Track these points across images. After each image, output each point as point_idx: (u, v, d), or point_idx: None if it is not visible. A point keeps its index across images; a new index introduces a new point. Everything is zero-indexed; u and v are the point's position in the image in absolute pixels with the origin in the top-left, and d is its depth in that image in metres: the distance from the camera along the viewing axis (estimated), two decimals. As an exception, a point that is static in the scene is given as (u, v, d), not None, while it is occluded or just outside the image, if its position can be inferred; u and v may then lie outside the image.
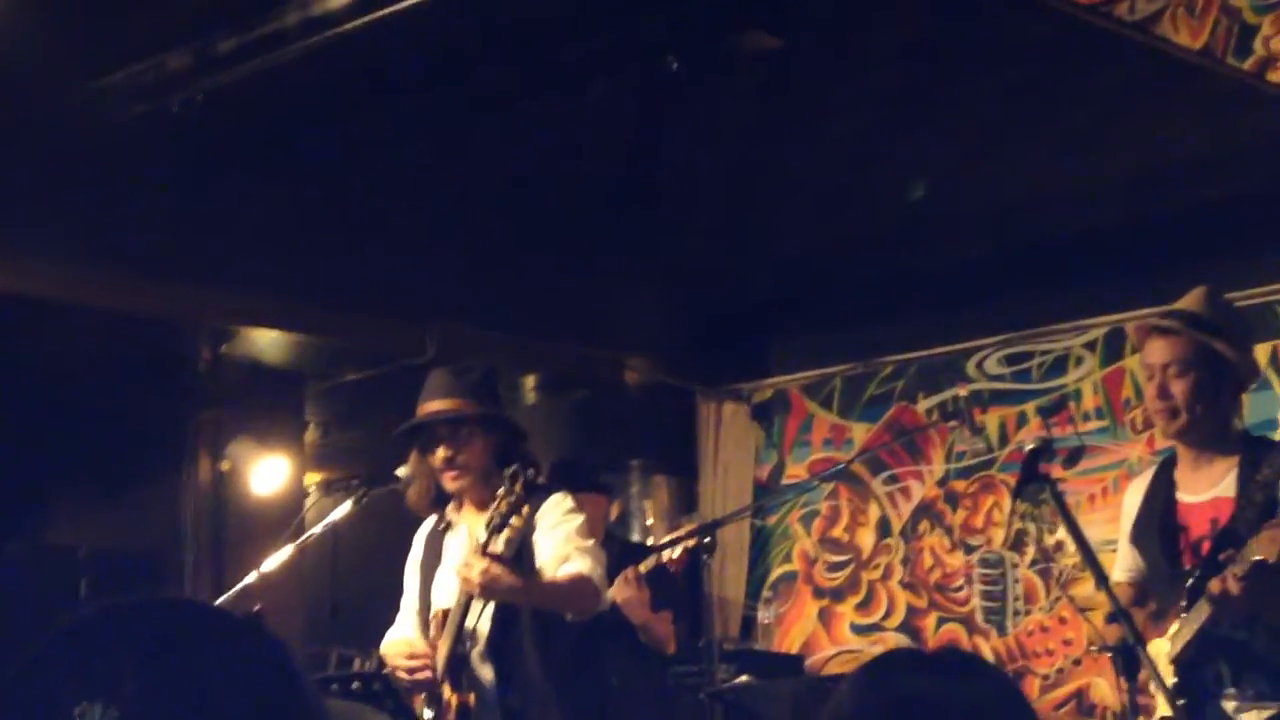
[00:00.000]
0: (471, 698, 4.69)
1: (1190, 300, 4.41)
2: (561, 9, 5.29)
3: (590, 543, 4.77)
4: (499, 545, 4.58)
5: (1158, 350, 4.34)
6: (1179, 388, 4.28)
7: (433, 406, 4.81)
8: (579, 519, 4.80)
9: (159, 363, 8.34)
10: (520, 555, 4.70)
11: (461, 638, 4.71)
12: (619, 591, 5.89)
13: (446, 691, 4.68)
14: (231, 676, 1.54)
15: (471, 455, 4.77)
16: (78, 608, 1.77)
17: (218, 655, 1.55)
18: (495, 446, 4.81)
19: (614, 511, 8.79)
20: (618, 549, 6.03)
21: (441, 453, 4.77)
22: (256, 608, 6.37)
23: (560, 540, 4.71)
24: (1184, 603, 4.17)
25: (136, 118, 5.58)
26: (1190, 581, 4.18)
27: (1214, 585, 4.00)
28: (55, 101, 5.63)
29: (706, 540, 5.54)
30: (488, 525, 4.56)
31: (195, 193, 6.46)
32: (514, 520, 4.54)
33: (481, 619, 4.74)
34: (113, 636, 1.54)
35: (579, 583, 4.67)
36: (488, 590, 4.57)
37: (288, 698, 1.59)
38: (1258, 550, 3.91)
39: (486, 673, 4.76)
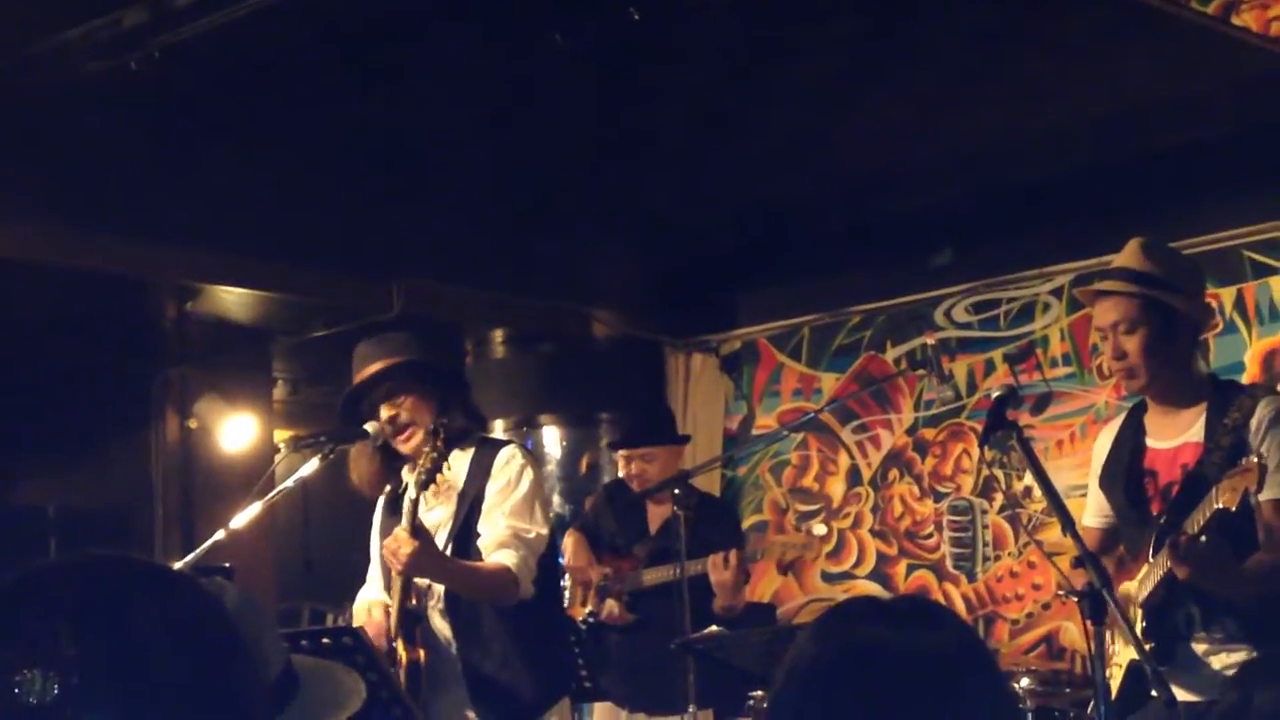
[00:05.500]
0: (422, 654, 4.66)
1: (1127, 255, 4.38)
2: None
3: (531, 528, 4.71)
4: (432, 503, 4.65)
5: (1105, 311, 4.34)
6: (1131, 345, 4.28)
7: (364, 372, 4.79)
8: (526, 486, 4.74)
9: (124, 321, 8.31)
10: (472, 508, 4.71)
11: (410, 594, 4.69)
12: (716, 573, 5.89)
13: (400, 648, 4.66)
14: (171, 635, 1.52)
15: (413, 411, 4.72)
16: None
17: (155, 613, 1.53)
18: (435, 399, 4.78)
19: (584, 464, 8.80)
20: (695, 500, 5.97)
21: (385, 413, 4.73)
22: (227, 565, 6.36)
23: (504, 519, 4.68)
24: (1152, 547, 4.19)
25: (94, 75, 5.52)
26: (1159, 527, 4.20)
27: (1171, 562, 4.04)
28: (10, 59, 5.57)
29: (677, 493, 5.52)
30: (416, 482, 4.55)
31: (157, 150, 6.42)
32: (438, 477, 4.54)
33: None
34: (47, 599, 1.52)
35: (499, 575, 4.62)
36: (411, 570, 4.57)
37: (229, 653, 1.57)
38: (1220, 498, 3.93)
39: (444, 629, 4.75)
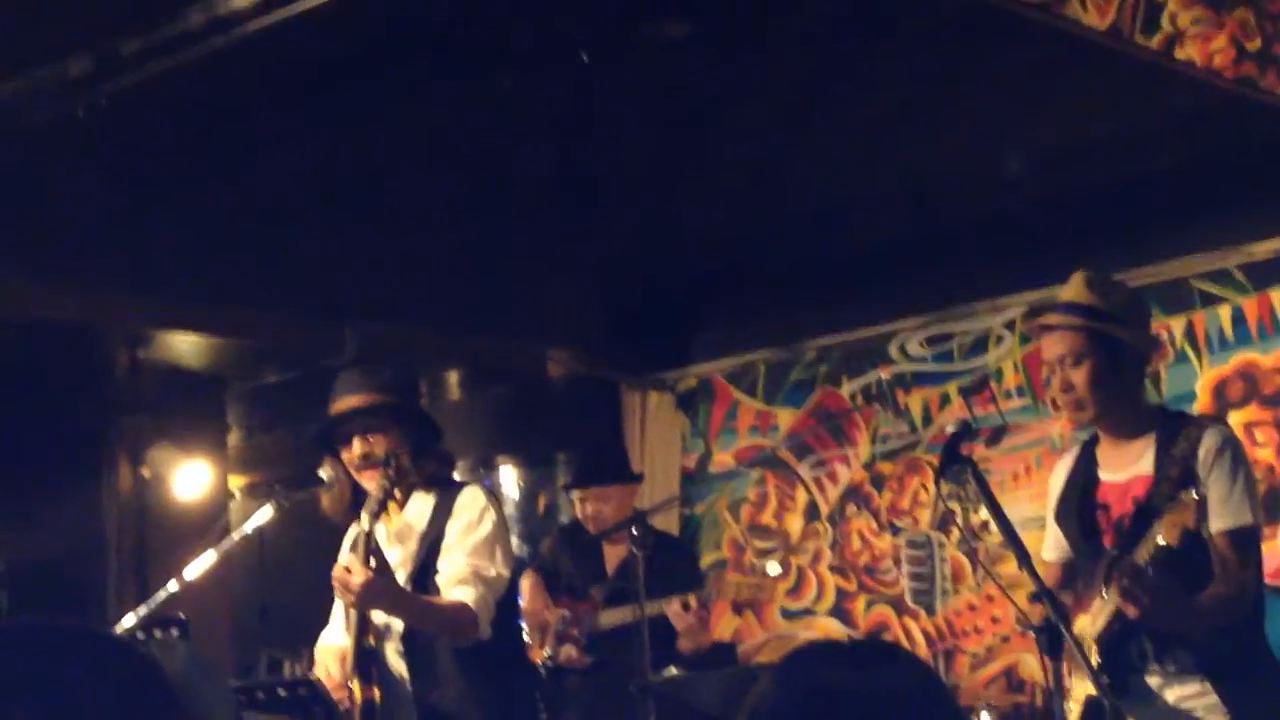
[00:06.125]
0: (377, 692, 4.62)
1: (1073, 289, 4.42)
2: (470, 5, 5.26)
3: (491, 568, 4.68)
4: (392, 544, 4.63)
5: (1051, 345, 4.38)
6: (1078, 378, 4.31)
7: (344, 404, 4.77)
8: (488, 528, 4.72)
9: (76, 369, 8.24)
10: (431, 548, 4.69)
11: (366, 631, 4.66)
12: (679, 620, 5.85)
13: (355, 686, 4.62)
14: (105, 698, 1.51)
15: (387, 449, 4.70)
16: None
17: (88, 677, 1.52)
18: (411, 441, 4.77)
19: (541, 505, 8.78)
20: (652, 540, 5.92)
21: (358, 448, 4.71)
22: (182, 615, 6.30)
23: (464, 557, 4.65)
24: (1104, 581, 4.19)
25: (41, 124, 5.49)
26: (1110, 560, 4.21)
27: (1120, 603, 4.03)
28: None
29: (634, 533, 5.48)
30: (368, 512, 4.54)
31: (107, 197, 6.38)
32: (398, 517, 4.52)
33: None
34: None
35: (458, 613, 4.59)
36: (364, 602, 4.54)
37: (165, 714, 1.56)
38: (1161, 534, 3.94)
39: (401, 668, 4.72)
